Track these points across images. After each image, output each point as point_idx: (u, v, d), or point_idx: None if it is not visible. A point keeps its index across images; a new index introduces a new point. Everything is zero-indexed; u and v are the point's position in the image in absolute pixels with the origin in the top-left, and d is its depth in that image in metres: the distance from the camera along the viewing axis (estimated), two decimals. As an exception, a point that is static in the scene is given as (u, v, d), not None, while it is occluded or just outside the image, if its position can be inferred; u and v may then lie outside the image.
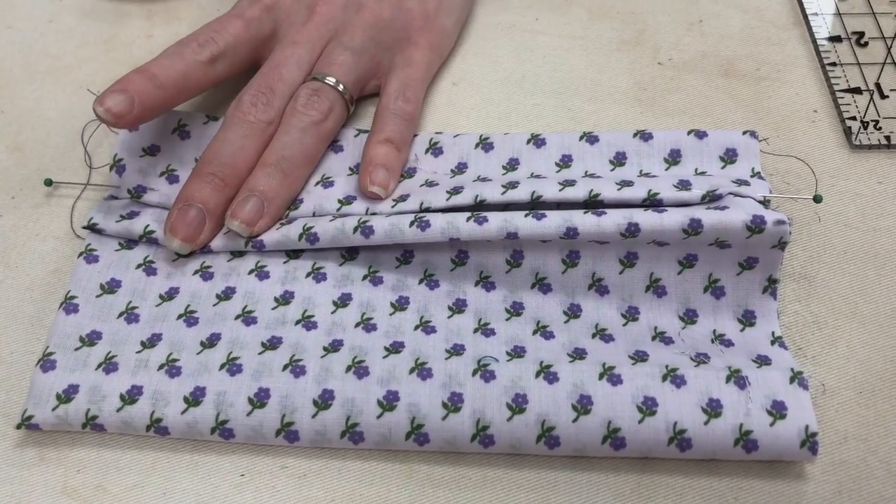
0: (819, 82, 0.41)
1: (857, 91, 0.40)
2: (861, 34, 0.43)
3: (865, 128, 0.39)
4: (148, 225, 0.35)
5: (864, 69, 0.41)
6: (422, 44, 0.41)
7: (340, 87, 0.38)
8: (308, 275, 0.34)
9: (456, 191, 0.34)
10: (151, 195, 0.36)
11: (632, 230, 0.32)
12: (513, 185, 0.34)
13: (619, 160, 0.36)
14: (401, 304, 0.34)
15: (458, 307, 0.33)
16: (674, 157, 0.36)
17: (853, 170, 0.38)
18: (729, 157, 0.36)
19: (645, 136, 0.37)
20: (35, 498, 0.30)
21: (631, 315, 0.33)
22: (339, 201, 0.36)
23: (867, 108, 0.40)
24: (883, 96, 0.40)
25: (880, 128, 0.39)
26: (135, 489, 0.30)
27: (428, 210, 0.34)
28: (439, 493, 0.30)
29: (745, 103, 0.40)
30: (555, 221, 0.32)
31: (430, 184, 0.36)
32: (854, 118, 0.39)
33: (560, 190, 0.34)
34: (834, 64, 0.41)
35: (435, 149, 0.38)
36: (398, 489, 0.30)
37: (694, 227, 0.31)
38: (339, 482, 0.30)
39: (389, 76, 0.40)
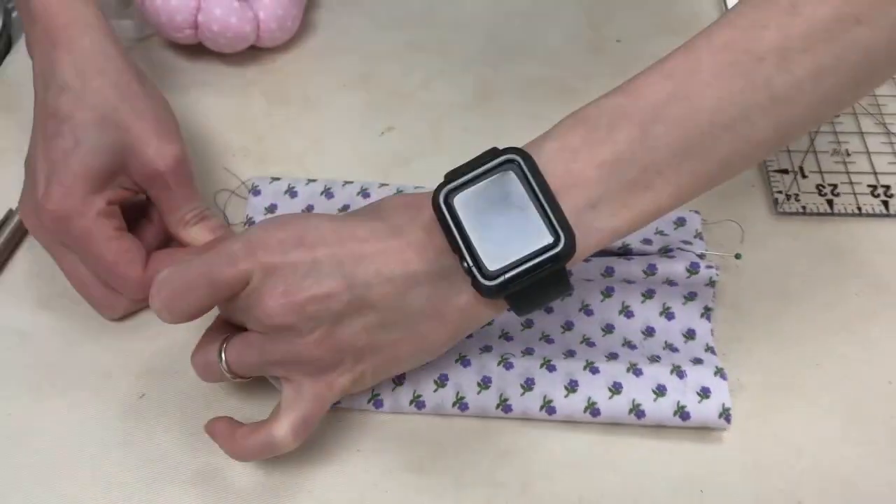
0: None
1: (784, 171, 0.55)
2: (793, 127, 0.57)
3: (788, 199, 0.53)
4: None
5: (791, 155, 0.56)
6: None
7: None
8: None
9: None
10: None
11: (609, 272, 0.46)
12: None
13: None
14: None
15: (490, 320, 0.48)
16: None
17: (776, 230, 0.52)
18: (680, 222, 0.50)
19: None
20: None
21: (608, 329, 0.47)
22: None
23: (791, 185, 0.54)
24: (804, 176, 0.55)
25: (799, 200, 0.53)
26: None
27: None
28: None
29: (702, 178, 0.54)
30: None
31: None
32: (780, 192, 0.54)
33: None
34: (770, 150, 0.56)
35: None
36: None
37: (651, 270, 0.46)
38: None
39: None
